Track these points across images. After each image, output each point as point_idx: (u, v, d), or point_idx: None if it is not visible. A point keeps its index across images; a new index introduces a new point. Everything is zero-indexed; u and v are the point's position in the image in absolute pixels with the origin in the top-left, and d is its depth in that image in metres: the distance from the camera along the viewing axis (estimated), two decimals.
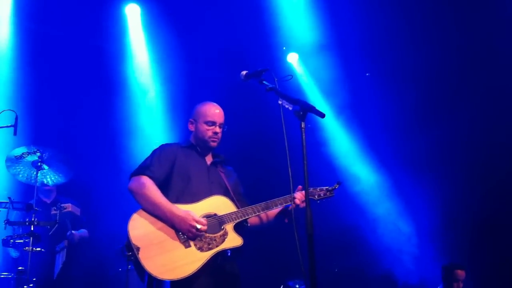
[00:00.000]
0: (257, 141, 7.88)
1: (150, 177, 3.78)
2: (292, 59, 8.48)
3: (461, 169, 7.43)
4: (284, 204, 3.93)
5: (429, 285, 6.89)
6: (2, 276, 5.23)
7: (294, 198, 3.85)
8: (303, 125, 3.18)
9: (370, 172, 8.13)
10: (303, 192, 3.85)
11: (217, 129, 4.04)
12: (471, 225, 7.33)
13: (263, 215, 4.01)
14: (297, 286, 6.73)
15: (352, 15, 7.41)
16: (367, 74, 8.33)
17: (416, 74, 7.72)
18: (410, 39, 7.52)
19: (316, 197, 4.01)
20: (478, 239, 7.26)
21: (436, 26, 7.32)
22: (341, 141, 8.34)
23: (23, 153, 5.37)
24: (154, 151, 4.00)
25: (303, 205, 3.83)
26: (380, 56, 7.81)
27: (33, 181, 5.45)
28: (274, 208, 3.92)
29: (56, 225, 5.16)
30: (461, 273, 6.31)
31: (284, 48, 8.30)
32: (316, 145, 7.77)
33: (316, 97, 8.40)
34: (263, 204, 3.90)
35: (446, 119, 7.58)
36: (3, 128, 5.07)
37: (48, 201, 6.11)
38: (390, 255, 7.61)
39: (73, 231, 5.73)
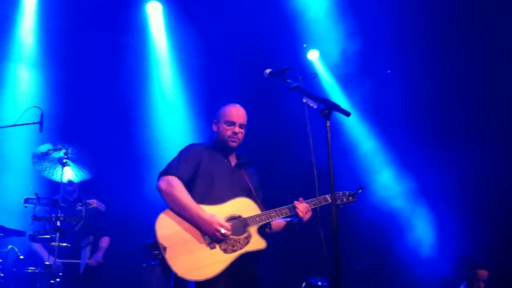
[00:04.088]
0: (279, 140, 7.90)
1: (178, 177, 3.84)
2: (313, 56, 8.46)
3: (485, 168, 7.36)
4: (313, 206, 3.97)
5: (452, 284, 6.85)
6: (29, 270, 5.33)
7: (296, 208, 3.90)
8: (328, 124, 3.19)
9: (393, 170, 8.10)
10: (304, 204, 3.92)
11: (237, 129, 4.06)
12: (495, 224, 7.26)
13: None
14: (319, 283, 6.74)
15: (374, 12, 7.37)
16: (388, 72, 8.29)
17: (439, 71, 7.67)
18: (434, 35, 7.46)
19: (339, 201, 4.02)
20: (502, 238, 7.19)
21: (460, 23, 7.24)
22: (363, 140, 8.32)
23: (48, 150, 5.44)
24: (181, 151, 4.05)
25: (307, 216, 3.91)
26: (402, 53, 7.76)
27: (58, 177, 5.53)
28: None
29: (82, 221, 5.23)
30: (482, 273, 6.26)
31: (304, 45, 8.30)
32: (338, 144, 7.77)
33: (336, 95, 8.39)
34: (286, 207, 3.93)
35: (470, 116, 7.53)
36: (29, 125, 5.18)
37: (71, 199, 6.20)
38: (412, 253, 7.59)
39: (87, 261, 5.78)
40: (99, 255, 6.06)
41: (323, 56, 8.39)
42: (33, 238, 5.19)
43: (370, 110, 8.16)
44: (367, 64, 7.94)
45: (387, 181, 7.98)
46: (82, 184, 6.26)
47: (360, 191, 4.10)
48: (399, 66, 7.98)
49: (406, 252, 7.59)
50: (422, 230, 7.79)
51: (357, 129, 8.31)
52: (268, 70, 3.71)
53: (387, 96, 7.94)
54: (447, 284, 7.04)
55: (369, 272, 7.54)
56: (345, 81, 8.33)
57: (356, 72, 8.01)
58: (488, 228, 7.20)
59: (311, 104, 3.34)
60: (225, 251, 3.66)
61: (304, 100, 3.38)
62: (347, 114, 3.24)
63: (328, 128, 3.19)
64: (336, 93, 8.40)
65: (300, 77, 3.54)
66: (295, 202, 3.94)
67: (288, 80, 3.58)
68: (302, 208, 3.91)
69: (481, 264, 6.34)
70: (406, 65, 7.82)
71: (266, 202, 4.09)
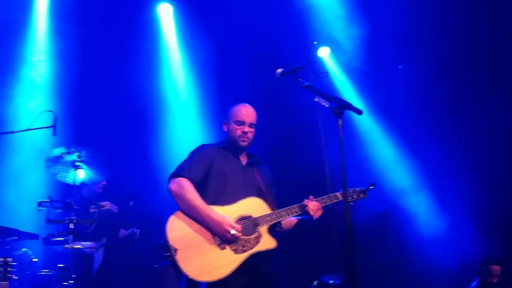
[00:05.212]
0: (291, 138, 7.89)
1: (189, 179, 3.84)
2: (323, 53, 8.43)
3: (499, 162, 7.31)
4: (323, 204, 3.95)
5: (466, 279, 6.81)
6: (43, 273, 5.36)
7: (306, 206, 3.88)
8: (340, 123, 3.19)
9: (404, 166, 8.07)
10: (315, 202, 3.90)
11: (246, 129, 4.06)
12: (508, 219, 7.21)
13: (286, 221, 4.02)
14: (331, 281, 6.71)
15: (385, 7, 7.33)
16: (400, 67, 8.25)
17: (451, 65, 7.62)
18: (445, 30, 7.41)
19: (349, 199, 3.99)
20: None
21: (471, 17, 7.18)
22: (374, 136, 8.28)
23: (62, 153, 5.48)
24: (192, 153, 4.05)
25: (318, 214, 3.89)
26: (413, 47, 7.71)
27: (71, 180, 5.56)
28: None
29: (95, 223, 5.26)
30: (495, 268, 6.21)
31: (315, 42, 8.27)
32: (348, 141, 7.73)
33: (347, 91, 8.37)
34: (296, 206, 3.92)
35: (481, 111, 7.47)
36: (43, 129, 5.22)
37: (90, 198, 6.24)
38: (425, 250, 7.54)
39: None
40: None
41: (334, 53, 8.36)
42: (47, 241, 5.23)
43: (380, 104, 8.12)
44: (379, 60, 7.90)
45: (396, 175, 7.94)
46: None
47: (372, 187, 4.08)
48: (411, 61, 7.94)
49: (418, 245, 7.54)
50: (433, 224, 7.75)
51: (368, 125, 8.28)
52: (279, 70, 3.72)
53: (399, 91, 7.91)
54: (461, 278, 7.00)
55: (382, 268, 7.50)
56: (356, 77, 8.29)
57: (368, 68, 7.98)
58: (501, 222, 7.17)
59: (323, 103, 3.33)
60: (235, 251, 3.66)
61: (316, 99, 3.38)
62: (359, 112, 3.23)
63: (340, 127, 3.18)
64: (347, 90, 8.37)
65: (312, 76, 3.53)
66: (306, 200, 3.93)
67: (300, 79, 3.58)
68: (313, 206, 3.89)
69: (494, 259, 6.29)
70: (418, 60, 7.79)
71: (278, 200, 4.08)
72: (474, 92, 7.60)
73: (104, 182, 6.30)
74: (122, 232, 6.06)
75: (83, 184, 5.87)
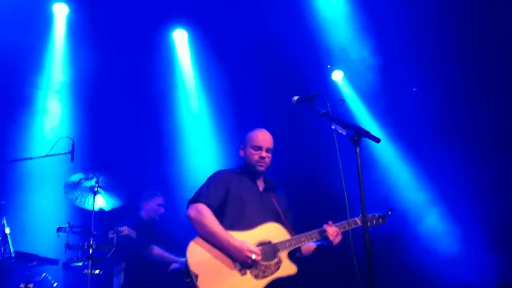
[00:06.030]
0: (308, 162, 7.89)
1: (207, 205, 3.87)
2: (337, 77, 8.47)
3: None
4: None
5: None
6: None
7: (326, 232, 3.88)
8: (358, 150, 3.21)
9: (418, 185, 8.03)
10: (334, 228, 3.91)
11: (264, 154, 4.09)
12: None
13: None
14: None
15: (396, 28, 7.37)
16: (414, 89, 8.25)
17: (465, 86, 7.61)
18: (459, 51, 7.42)
19: (368, 224, 4.01)
20: None
21: (487, 35, 7.18)
22: (389, 158, 8.26)
23: (80, 179, 5.54)
24: (210, 178, 4.08)
25: (338, 239, 3.89)
26: (427, 70, 7.73)
27: (90, 206, 5.62)
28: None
29: (114, 248, 5.29)
30: None
31: (328, 66, 8.31)
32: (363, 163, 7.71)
33: (363, 115, 8.38)
34: (316, 231, 3.93)
35: (497, 129, 7.43)
36: (61, 155, 5.29)
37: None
38: (441, 269, 7.46)
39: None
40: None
41: (348, 77, 8.39)
42: (66, 266, 5.26)
43: (395, 126, 8.11)
44: (392, 83, 7.92)
45: (411, 194, 7.89)
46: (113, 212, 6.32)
47: (390, 212, 4.10)
48: (425, 83, 7.94)
49: (434, 265, 7.46)
50: (449, 244, 7.68)
51: (383, 147, 8.26)
52: (295, 97, 3.78)
53: (414, 113, 7.90)
54: None
55: None
56: (370, 100, 8.31)
57: (381, 91, 7.99)
58: None
59: (340, 131, 3.36)
60: (256, 277, 3.67)
61: (333, 127, 3.40)
62: (377, 140, 3.24)
63: (358, 154, 3.21)
64: (362, 114, 8.38)
65: (328, 104, 3.57)
66: (325, 225, 3.94)
67: (316, 107, 3.63)
68: (332, 231, 3.90)
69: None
70: (432, 82, 7.78)
71: (296, 225, 4.09)
72: (489, 112, 7.58)
73: (162, 210, 6.39)
74: (174, 265, 6.01)
75: (139, 207, 6.06)
